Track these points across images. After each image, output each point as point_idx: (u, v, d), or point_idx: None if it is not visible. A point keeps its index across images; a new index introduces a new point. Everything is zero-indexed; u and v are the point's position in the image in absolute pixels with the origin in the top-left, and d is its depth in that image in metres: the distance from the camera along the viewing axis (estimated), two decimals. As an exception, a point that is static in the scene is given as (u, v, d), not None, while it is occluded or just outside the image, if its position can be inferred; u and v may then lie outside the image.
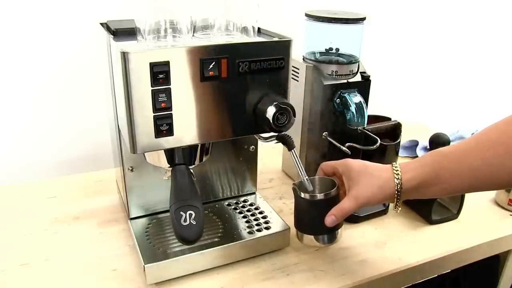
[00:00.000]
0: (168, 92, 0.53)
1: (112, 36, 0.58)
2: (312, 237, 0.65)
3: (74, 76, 0.90)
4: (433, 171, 0.56)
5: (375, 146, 0.75)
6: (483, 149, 0.58)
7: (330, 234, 0.64)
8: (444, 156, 0.61)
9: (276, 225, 0.68)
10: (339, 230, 0.64)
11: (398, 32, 1.24)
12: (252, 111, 0.58)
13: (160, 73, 0.51)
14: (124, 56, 0.49)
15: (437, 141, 0.93)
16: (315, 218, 0.62)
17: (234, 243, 0.64)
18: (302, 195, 0.62)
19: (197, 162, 0.63)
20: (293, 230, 0.68)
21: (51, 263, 0.65)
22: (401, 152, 0.96)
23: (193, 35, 0.58)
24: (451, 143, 0.87)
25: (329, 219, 0.60)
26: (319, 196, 0.62)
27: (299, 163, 0.62)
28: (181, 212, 0.54)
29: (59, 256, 0.66)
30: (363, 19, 0.76)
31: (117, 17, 0.65)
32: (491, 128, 0.59)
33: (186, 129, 0.56)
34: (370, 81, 0.78)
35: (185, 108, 0.55)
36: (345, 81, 0.76)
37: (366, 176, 0.58)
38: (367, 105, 0.77)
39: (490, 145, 0.57)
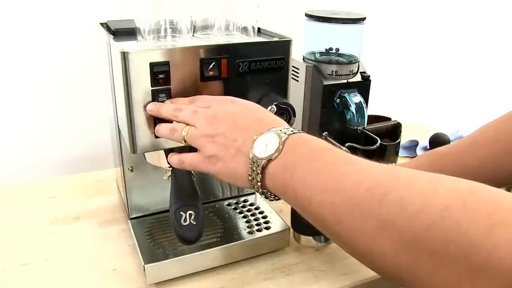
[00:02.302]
0: (168, 92, 0.53)
1: (112, 36, 0.58)
2: (309, 237, 0.65)
3: (74, 76, 0.90)
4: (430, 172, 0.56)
5: (375, 146, 0.75)
6: (479, 148, 0.58)
7: None
8: (441, 156, 0.61)
9: (276, 225, 0.68)
10: None
11: (398, 32, 1.24)
12: (252, 111, 0.58)
13: (160, 73, 0.51)
14: (124, 56, 0.49)
15: (437, 141, 0.93)
16: None
17: (234, 243, 0.64)
18: None
19: (197, 162, 0.63)
20: (291, 230, 0.68)
21: (51, 263, 0.65)
22: (401, 152, 0.96)
23: (193, 35, 0.58)
24: (451, 143, 0.87)
25: None
26: None
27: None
28: (181, 212, 0.54)
29: (59, 256, 0.66)
30: (363, 19, 0.76)
31: (117, 17, 0.65)
32: (488, 127, 0.59)
33: (186, 129, 0.56)
34: (370, 81, 0.78)
35: (185, 108, 0.55)
36: (345, 81, 0.76)
37: None
38: (367, 105, 0.77)
39: (487, 143, 0.57)
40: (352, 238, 0.37)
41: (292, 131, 0.44)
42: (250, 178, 0.45)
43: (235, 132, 0.46)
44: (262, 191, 0.45)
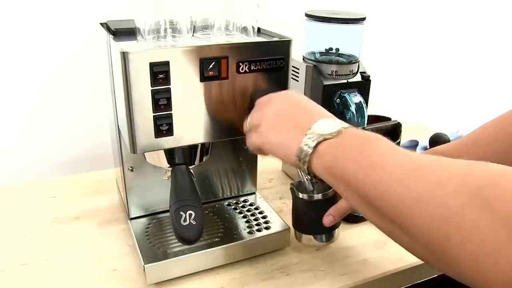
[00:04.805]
0: (168, 92, 0.53)
1: (112, 36, 0.58)
2: (310, 236, 0.65)
3: (74, 76, 0.90)
4: None
5: (375, 146, 0.75)
6: (479, 147, 0.58)
7: (328, 233, 0.64)
8: (441, 154, 0.62)
9: (276, 225, 0.68)
10: (337, 229, 0.64)
11: (398, 32, 1.24)
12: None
13: (160, 73, 0.51)
14: (124, 56, 0.49)
15: (437, 141, 0.93)
16: (313, 218, 0.62)
17: (234, 243, 0.64)
18: (300, 195, 0.62)
19: (197, 162, 0.63)
20: (292, 229, 0.68)
21: (51, 263, 0.65)
22: (401, 152, 0.96)
23: (193, 35, 0.58)
24: (450, 142, 0.87)
25: (327, 219, 0.61)
26: (317, 196, 0.62)
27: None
28: (181, 212, 0.54)
29: (59, 256, 0.66)
30: (363, 19, 0.76)
31: (117, 17, 0.65)
32: (488, 126, 0.60)
33: (186, 129, 0.56)
34: (370, 81, 0.78)
35: (185, 108, 0.55)
36: (345, 81, 0.76)
37: None
38: (367, 105, 0.77)
39: (487, 142, 0.58)
40: (392, 210, 0.40)
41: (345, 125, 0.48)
42: (299, 151, 0.47)
43: (296, 109, 0.51)
44: (306, 168, 0.48)
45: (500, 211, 0.32)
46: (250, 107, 0.58)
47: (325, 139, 0.46)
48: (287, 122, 0.50)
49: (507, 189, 0.33)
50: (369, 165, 0.42)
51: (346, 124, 0.47)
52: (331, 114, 0.51)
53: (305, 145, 0.47)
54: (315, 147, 0.46)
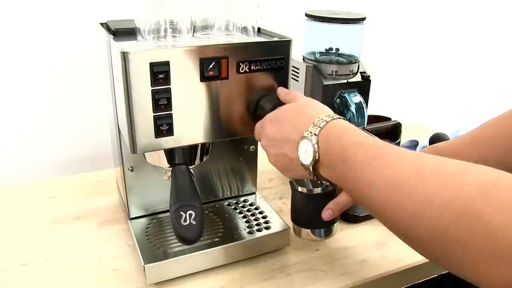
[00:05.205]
0: (168, 92, 0.53)
1: (112, 36, 0.58)
2: (309, 231, 0.65)
3: (74, 76, 0.90)
4: None
5: (375, 146, 0.75)
6: (479, 145, 0.58)
7: (326, 228, 0.64)
8: (441, 151, 0.62)
9: (276, 225, 0.68)
10: (335, 224, 0.64)
11: (398, 32, 1.24)
12: (252, 111, 0.59)
13: (160, 73, 0.51)
14: (124, 56, 0.49)
15: (437, 141, 0.93)
16: (312, 212, 0.62)
17: (234, 243, 0.64)
18: (299, 189, 0.62)
19: (197, 162, 0.63)
20: (292, 229, 0.68)
21: (51, 263, 0.65)
22: (401, 152, 0.96)
23: (193, 35, 0.58)
24: (451, 139, 0.87)
25: (326, 213, 0.61)
26: (316, 190, 0.62)
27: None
28: (181, 212, 0.54)
29: (59, 256, 0.66)
30: (363, 19, 0.76)
31: (117, 17, 0.65)
32: (488, 125, 0.60)
33: (186, 129, 0.56)
34: (370, 81, 0.78)
35: (185, 108, 0.55)
36: (345, 81, 0.76)
37: None
38: (367, 105, 0.77)
39: (487, 141, 0.58)
40: (389, 225, 0.42)
41: (320, 127, 0.49)
42: (310, 175, 0.51)
43: (281, 148, 0.53)
44: (321, 181, 0.52)
45: (492, 222, 0.32)
46: (251, 107, 0.58)
47: (316, 159, 0.48)
48: (283, 159, 0.53)
49: (498, 198, 0.33)
50: (358, 183, 0.44)
51: (313, 137, 0.48)
52: (304, 122, 0.51)
53: (309, 171, 0.50)
54: (314, 167, 0.49)
